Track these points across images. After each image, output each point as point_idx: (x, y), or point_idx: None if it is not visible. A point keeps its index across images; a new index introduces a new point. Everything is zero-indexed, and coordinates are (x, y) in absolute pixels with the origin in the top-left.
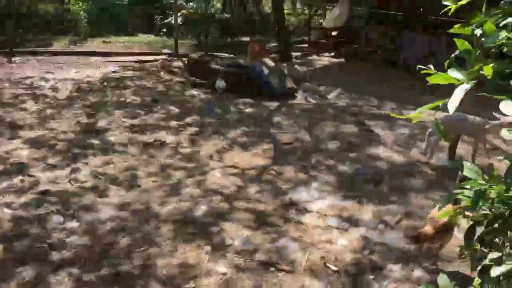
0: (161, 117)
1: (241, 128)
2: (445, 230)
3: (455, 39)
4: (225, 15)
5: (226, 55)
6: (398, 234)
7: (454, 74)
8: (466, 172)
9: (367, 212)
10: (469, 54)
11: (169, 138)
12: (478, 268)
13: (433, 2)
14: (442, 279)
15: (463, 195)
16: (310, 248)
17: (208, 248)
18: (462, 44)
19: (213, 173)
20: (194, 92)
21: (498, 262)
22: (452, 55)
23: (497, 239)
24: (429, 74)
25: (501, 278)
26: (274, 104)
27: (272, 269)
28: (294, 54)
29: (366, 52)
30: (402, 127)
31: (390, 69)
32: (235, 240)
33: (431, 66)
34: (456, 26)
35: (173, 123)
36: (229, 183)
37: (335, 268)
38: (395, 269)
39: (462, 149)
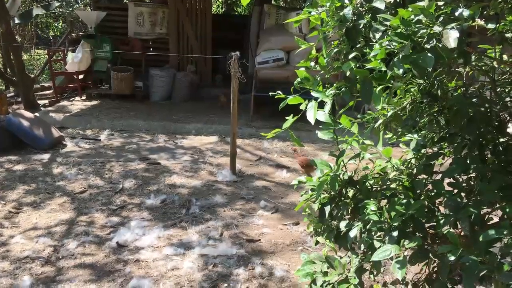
0: None
1: (21, 188)
2: None
3: (296, 71)
4: None
5: None
6: (227, 244)
7: (315, 94)
8: (318, 165)
9: (192, 234)
10: (307, 80)
11: None
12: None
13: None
14: (308, 256)
15: (312, 186)
16: (161, 280)
17: None
18: (301, 73)
19: (15, 240)
20: None
21: (350, 227)
22: (295, 82)
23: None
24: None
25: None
26: (45, 157)
27: None
28: (41, 102)
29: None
30: (182, 155)
31: (145, 105)
32: None
33: (280, 92)
34: (302, 61)
35: None
36: (41, 246)
37: None
38: (240, 272)
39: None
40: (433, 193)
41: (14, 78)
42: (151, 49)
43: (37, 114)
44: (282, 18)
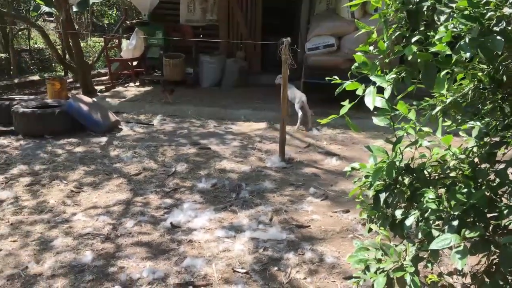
0: None
1: (81, 169)
2: None
3: (354, 55)
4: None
5: (25, 97)
6: (277, 229)
7: (375, 79)
8: (374, 152)
9: (243, 217)
10: (365, 65)
11: (3, 194)
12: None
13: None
14: (362, 243)
15: (367, 173)
16: (214, 260)
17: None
18: (359, 58)
19: (77, 218)
20: (4, 141)
21: (406, 215)
22: (353, 67)
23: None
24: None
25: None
26: (103, 140)
27: (191, 287)
28: (98, 87)
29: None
30: (232, 141)
31: (196, 91)
32: (142, 273)
33: (336, 77)
34: (361, 46)
35: None
36: (101, 223)
37: (243, 271)
38: (290, 257)
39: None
40: (495, 183)
41: (72, 64)
42: (201, 36)
43: (94, 99)
44: (333, 3)
